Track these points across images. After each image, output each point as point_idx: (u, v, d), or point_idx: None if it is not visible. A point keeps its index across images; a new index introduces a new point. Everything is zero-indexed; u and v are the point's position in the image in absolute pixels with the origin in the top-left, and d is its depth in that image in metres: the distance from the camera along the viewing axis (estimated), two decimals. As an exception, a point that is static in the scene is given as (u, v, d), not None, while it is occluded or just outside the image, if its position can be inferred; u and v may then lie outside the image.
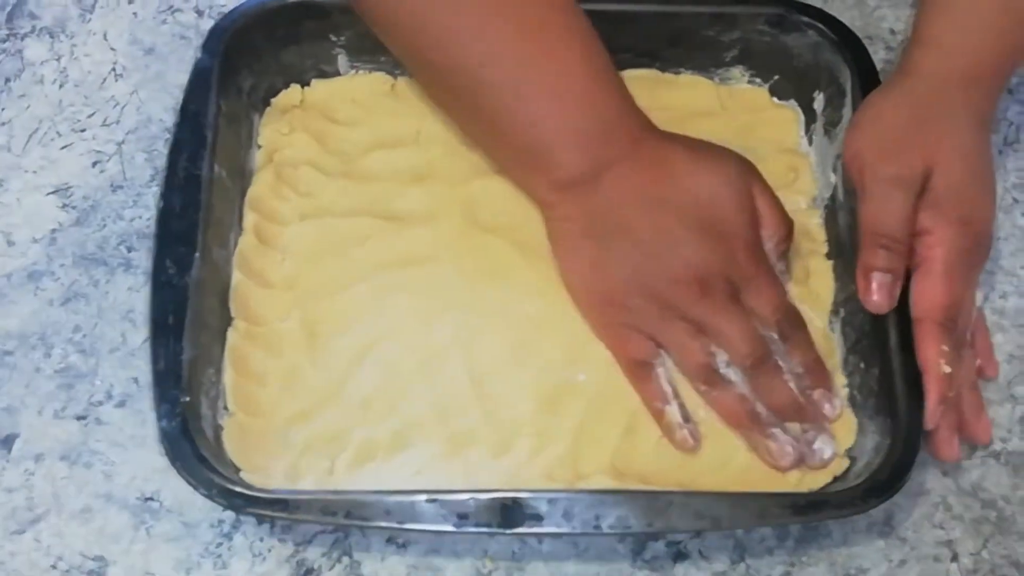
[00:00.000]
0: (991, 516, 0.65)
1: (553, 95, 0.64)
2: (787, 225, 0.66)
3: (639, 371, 0.65)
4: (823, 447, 0.63)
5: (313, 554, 0.63)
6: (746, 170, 0.66)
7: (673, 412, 0.64)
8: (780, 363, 0.64)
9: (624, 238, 0.64)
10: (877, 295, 0.64)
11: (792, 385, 0.64)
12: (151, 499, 0.65)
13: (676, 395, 0.64)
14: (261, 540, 0.64)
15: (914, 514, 0.65)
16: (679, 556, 0.64)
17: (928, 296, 0.63)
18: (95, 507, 0.64)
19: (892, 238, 0.64)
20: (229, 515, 0.64)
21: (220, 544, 0.64)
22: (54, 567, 0.63)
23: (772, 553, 0.64)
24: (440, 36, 0.64)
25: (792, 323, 0.65)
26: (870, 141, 0.66)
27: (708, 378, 0.64)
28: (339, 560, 0.63)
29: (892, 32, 0.79)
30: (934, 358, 0.62)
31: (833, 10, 0.73)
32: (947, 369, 0.62)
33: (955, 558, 0.64)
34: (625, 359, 0.66)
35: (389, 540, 0.64)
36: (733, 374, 0.64)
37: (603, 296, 0.65)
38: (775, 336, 0.64)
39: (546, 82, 0.64)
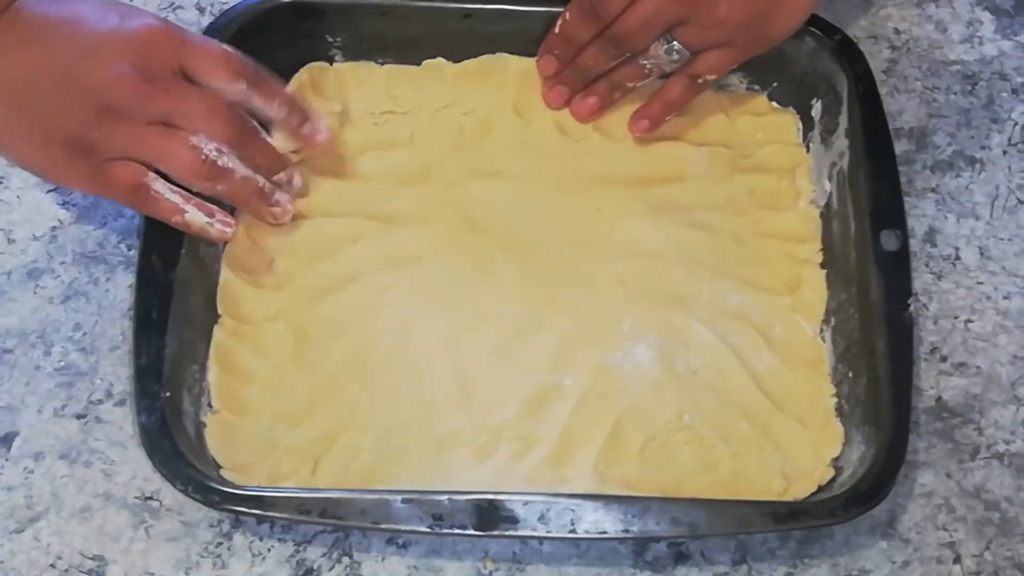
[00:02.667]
0: (994, 518, 0.65)
1: None
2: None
3: (139, 197, 0.62)
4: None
5: (313, 554, 0.63)
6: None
7: (194, 216, 0.63)
8: (255, 125, 0.64)
9: (37, 84, 0.59)
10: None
11: (268, 140, 0.65)
12: (151, 498, 0.64)
13: (189, 198, 0.62)
14: (261, 540, 0.63)
15: (917, 515, 0.65)
16: (681, 558, 0.63)
17: None
18: (95, 506, 0.64)
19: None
20: (228, 515, 0.64)
21: (220, 544, 0.63)
22: (53, 566, 0.63)
23: (774, 555, 0.64)
24: None
25: (254, 74, 0.63)
26: None
27: (206, 173, 0.61)
28: (339, 560, 0.63)
29: (897, 32, 0.78)
30: (561, 22, 0.68)
31: (838, 10, 0.73)
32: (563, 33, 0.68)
33: (958, 560, 0.64)
34: (120, 193, 0.62)
35: (390, 541, 0.63)
36: (229, 160, 0.62)
37: (63, 149, 0.60)
38: (243, 88, 0.63)
39: None
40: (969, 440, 0.67)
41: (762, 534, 0.64)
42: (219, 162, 0.62)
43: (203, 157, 0.61)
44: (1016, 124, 0.76)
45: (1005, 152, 0.75)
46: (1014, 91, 0.77)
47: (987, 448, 0.66)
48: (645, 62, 0.68)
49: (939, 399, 0.68)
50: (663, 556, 0.63)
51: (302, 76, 0.73)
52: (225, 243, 0.67)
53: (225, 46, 0.63)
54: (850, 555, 0.64)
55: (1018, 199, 0.74)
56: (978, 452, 0.66)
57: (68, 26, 0.60)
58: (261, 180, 0.64)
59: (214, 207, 0.64)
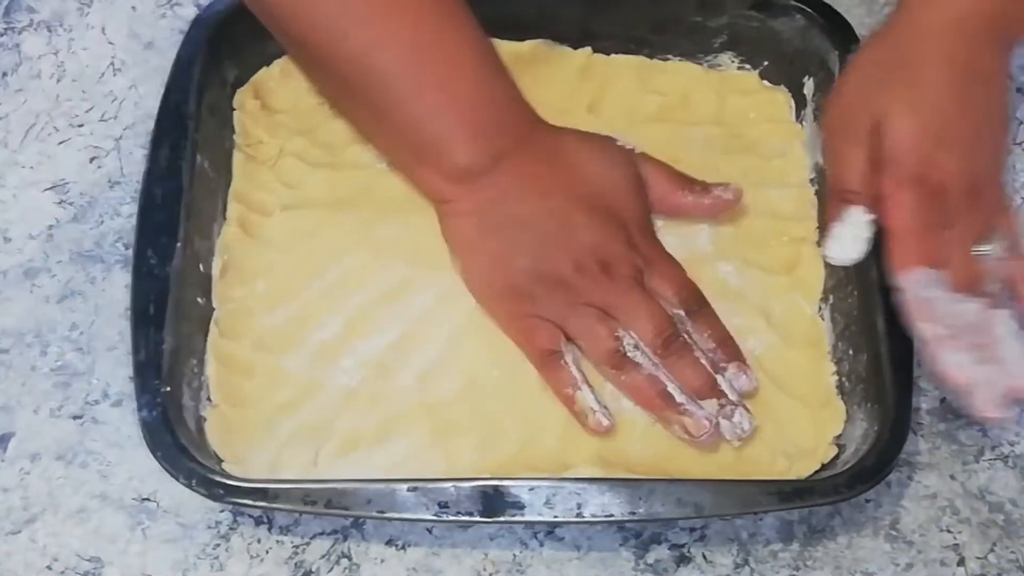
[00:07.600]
0: (999, 519, 0.64)
1: (446, 84, 0.63)
2: (680, 179, 0.67)
3: (548, 360, 0.64)
4: (742, 420, 0.62)
5: (312, 556, 0.63)
6: (631, 152, 0.67)
7: (585, 396, 0.63)
8: (689, 341, 0.64)
9: (523, 229, 0.64)
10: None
11: (704, 362, 0.63)
12: (148, 499, 0.64)
13: (585, 379, 0.63)
14: (259, 541, 0.63)
15: (921, 517, 0.64)
16: (682, 560, 0.63)
17: (900, 264, 0.62)
18: (91, 507, 0.64)
19: (852, 191, 0.63)
20: (226, 516, 0.63)
21: (217, 545, 0.63)
22: (49, 568, 0.62)
23: (776, 557, 0.63)
24: (326, 19, 0.62)
25: (696, 299, 0.65)
26: (837, 96, 0.66)
27: (616, 363, 0.63)
28: (337, 562, 0.63)
29: (900, 29, 0.78)
30: (922, 324, 0.60)
31: (841, 6, 0.72)
32: (938, 332, 0.60)
33: (962, 562, 0.63)
34: (534, 349, 0.64)
35: (389, 542, 0.63)
36: (640, 356, 0.63)
37: (507, 289, 0.64)
38: (682, 314, 0.64)
39: (438, 71, 0.63)
40: (973, 441, 0.66)
41: (765, 537, 0.64)
42: (630, 354, 0.63)
43: (620, 348, 0.63)
44: (1020, 123, 0.76)
45: (1009, 151, 0.74)
46: (1018, 90, 0.76)
47: (992, 449, 0.66)
48: None
49: (943, 400, 0.67)
50: (665, 559, 0.63)
51: (273, 70, 0.73)
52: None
53: (685, 274, 0.65)
54: (853, 557, 0.63)
55: (1022, 198, 0.73)
56: (982, 453, 0.66)
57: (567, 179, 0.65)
58: (671, 385, 0.62)
59: (601, 402, 0.63)
